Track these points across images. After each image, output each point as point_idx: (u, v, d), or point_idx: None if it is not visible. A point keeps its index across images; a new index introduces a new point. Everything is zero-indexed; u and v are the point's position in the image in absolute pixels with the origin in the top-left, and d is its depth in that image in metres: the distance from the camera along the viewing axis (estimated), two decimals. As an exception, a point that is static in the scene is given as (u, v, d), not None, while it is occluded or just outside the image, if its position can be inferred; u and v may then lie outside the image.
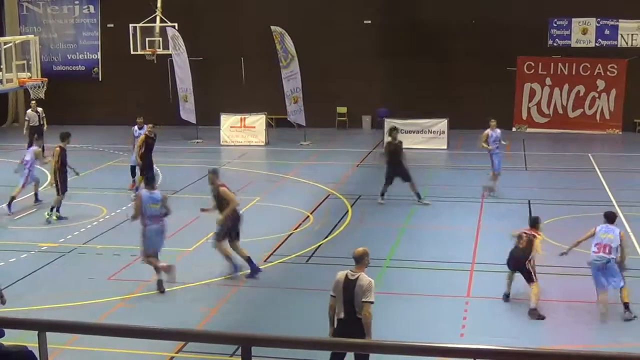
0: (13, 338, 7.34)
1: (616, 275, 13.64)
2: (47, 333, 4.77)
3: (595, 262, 13.75)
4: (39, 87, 26.30)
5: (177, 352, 12.26)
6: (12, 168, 22.27)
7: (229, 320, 13.78)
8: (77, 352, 11.84)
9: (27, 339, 6.18)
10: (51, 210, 20.26)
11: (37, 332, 4.75)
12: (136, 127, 24.58)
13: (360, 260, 10.53)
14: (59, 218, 20.23)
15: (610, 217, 14.35)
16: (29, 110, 29.07)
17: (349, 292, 10.25)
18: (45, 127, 28.76)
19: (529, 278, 14.05)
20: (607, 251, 13.67)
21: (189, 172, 25.33)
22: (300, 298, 14.98)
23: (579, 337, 12.91)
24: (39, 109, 28.70)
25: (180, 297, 15.00)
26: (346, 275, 10.41)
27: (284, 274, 16.32)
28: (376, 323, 12.91)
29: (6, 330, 7.24)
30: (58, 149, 20.30)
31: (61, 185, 20.22)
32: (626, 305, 13.64)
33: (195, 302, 14.69)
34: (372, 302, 10.18)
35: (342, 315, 10.31)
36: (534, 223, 14.60)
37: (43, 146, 28.22)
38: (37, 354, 4.99)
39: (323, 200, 21.90)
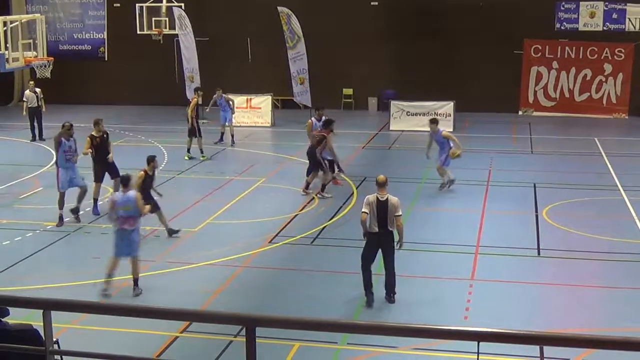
0: (18, 317, 7.37)
1: (135, 244, 14.22)
2: (53, 312, 4.78)
3: (122, 233, 14.05)
4: (45, 66, 26.26)
5: (181, 332, 12.31)
6: (17, 146, 22.27)
7: (233, 301, 13.82)
8: (82, 331, 11.87)
9: (33, 318, 6.21)
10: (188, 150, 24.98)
11: (42, 310, 4.76)
12: (314, 119, 22.43)
13: (384, 184, 13.37)
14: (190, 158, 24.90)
15: (125, 180, 14.48)
16: (27, 91, 28.97)
17: (383, 210, 13.17)
18: (43, 109, 28.65)
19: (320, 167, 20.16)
20: (129, 224, 14.06)
21: (194, 152, 25.29)
22: (305, 279, 15.01)
23: (579, 321, 12.92)
24: (37, 90, 28.56)
25: (185, 277, 15.04)
26: (377, 198, 13.23)
27: (289, 255, 16.35)
28: (380, 305, 13.01)
29: (11, 309, 7.26)
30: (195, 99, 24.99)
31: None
32: (136, 281, 14.15)
33: (199, 283, 14.73)
34: (401, 215, 13.28)
35: (376, 229, 13.21)
36: (326, 125, 20.47)
37: (41, 128, 28.13)
38: (42, 333, 5.01)
39: (328, 182, 21.86)
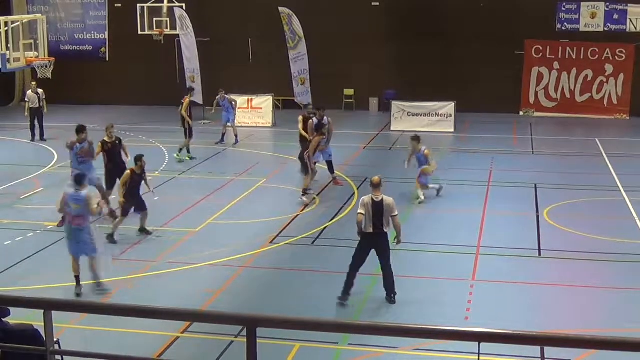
0: (19, 317, 7.37)
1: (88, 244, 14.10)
2: (53, 312, 4.78)
3: (71, 231, 14.04)
4: (46, 66, 26.23)
5: (182, 333, 12.30)
6: (18, 146, 22.28)
7: (234, 301, 13.82)
8: (83, 331, 11.88)
9: (33, 318, 6.21)
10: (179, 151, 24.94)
11: (43, 311, 4.76)
12: (315, 119, 21.68)
13: (379, 185, 13.44)
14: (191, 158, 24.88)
15: (79, 179, 14.31)
16: (29, 92, 28.98)
17: (378, 211, 13.21)
18: (45, 110, 28.63)
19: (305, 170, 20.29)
20: (77, 223, 13.97)
21: (195, 153, 25.30)
22: (306, 279, 15.00)
23: (580, 322, 12.91)
24: (40, 91, 28.54)
25: (186, 277, 15.03)
26: (372, 199, 13.27)
27: (290, 255, 16.34)
28: (380, 306, 13.00)
29: (12, 309, 7.26)
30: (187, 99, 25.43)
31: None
32: (98, 284, 14.12)
33: (200, 283, 14.73)
34: (397, 214, 13.50)
35: (370, 230, 13.23)
36: (317, 128, 20.47)
37: (42, 128, 28.11)
38: (42, 333, 5.01)
39: (329, 182, 21.88)
